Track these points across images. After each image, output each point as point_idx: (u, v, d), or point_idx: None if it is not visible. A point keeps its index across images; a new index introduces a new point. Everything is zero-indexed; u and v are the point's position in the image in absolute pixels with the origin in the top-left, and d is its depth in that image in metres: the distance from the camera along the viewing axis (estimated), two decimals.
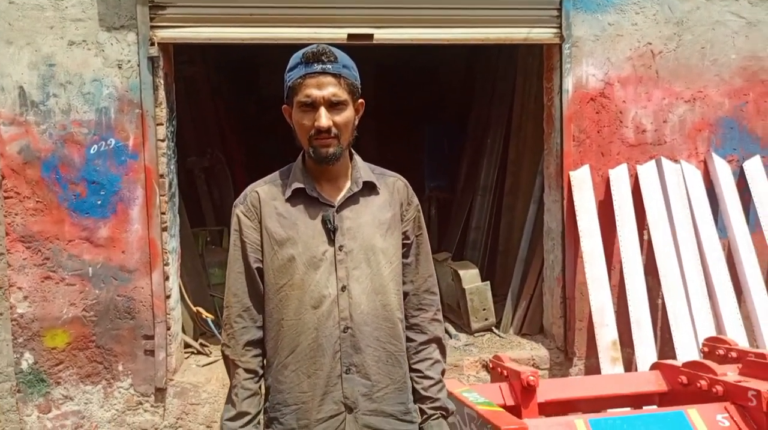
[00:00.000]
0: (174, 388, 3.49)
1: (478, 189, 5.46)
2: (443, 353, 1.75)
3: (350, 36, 3.44)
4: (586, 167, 3.73)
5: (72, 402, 3.42)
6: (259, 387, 1.63)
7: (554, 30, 3.67)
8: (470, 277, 4.25)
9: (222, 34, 3.41)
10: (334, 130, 1.55)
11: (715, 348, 2.56)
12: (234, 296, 1.63)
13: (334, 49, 1.58)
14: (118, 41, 3.31)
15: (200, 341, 4.00)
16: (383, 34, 3.49)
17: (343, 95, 1.55)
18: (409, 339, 1.70)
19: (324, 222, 1.59)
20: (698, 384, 2.14)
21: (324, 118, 1.53)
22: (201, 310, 3.97)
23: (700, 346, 2.78)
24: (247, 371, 1.60)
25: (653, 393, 2.36)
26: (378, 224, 1.64)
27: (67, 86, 3.30)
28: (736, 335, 3.30)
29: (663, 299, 3.61)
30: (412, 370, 1.68)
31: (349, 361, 1.57)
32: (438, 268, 4.51)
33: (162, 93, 3.40)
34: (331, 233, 1.59)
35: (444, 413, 1.67)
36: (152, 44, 3.32)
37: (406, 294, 1.71)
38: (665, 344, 3.76)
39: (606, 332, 3.45)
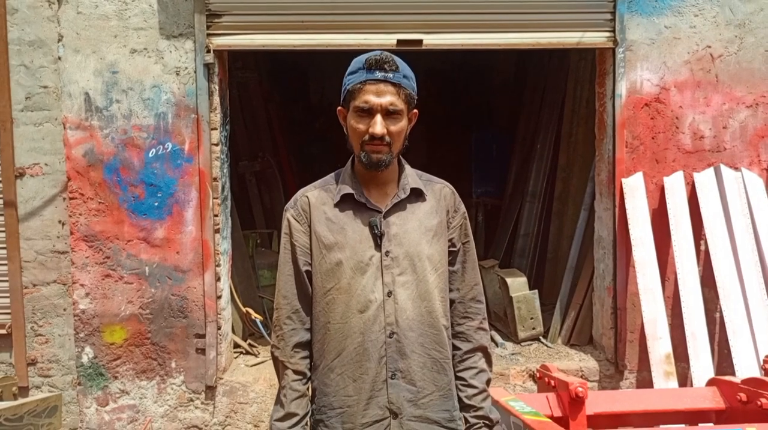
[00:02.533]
0: (223, 386, 3.58)
1: (527, 195, 5.39)
2: (489, 362, 1.73)
3: (400, 42, 3.46)
4: (640, 175, 3.62)
5: (128, 396, 3.56)
6: (307, 389, 1.65)
7: (607, 34, 3.59)
8: (518, 285, 4.19)
9: (275, 41, 3.49)
10: (387, 138, 1.57)
11: None
12: (284, 298, 1.66)
13: (396, 59, 1.59)
14: (176, 49, 3.44)
15: (249, 341, 4.09)
16: (433, 40, 3.50)
17: (400, 105, 1.57)
18: (454, 347, 1.70)
19: (371, 227, 1.61)
20: (758, 402, 2.05)
21: (379, 126, 1.55)
22: (250, 311, 4.07)
23: (761, 362, 2.65)
24: (295, 372, 1.63)
25: (710, 410, 2.26)
26: (424, 231, 1.64)
27: (128, 92, 3.45)
28: None
29: (721, 312, 3.47)
30: (456, 378, 1.68)
31: (394, 366, 1.58)
32: (485, 275, 4.48)
33: (216, 98, 3.51)
34: (377, 238, 1.60)
35: (488, 422, 1.65)
36: (208, 51, 3.43)
37: (452, 302, 1.71)
38: (723, 359, 3.61)
39: (659, 345, 3.34)
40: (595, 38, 3.60)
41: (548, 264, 5.09)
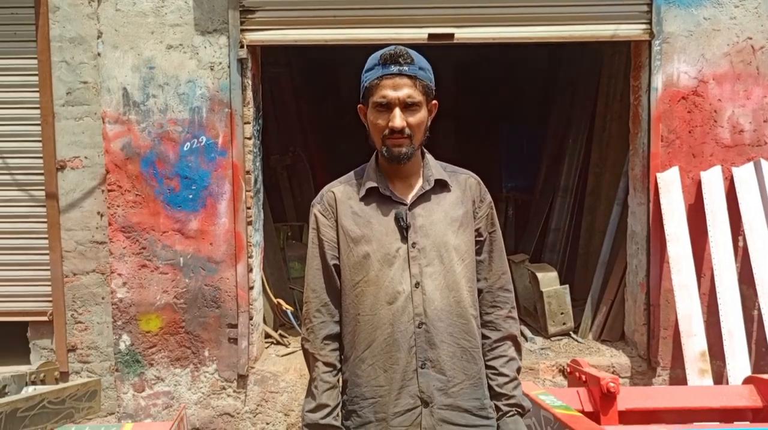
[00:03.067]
0: (255, 376, 3.65)
1: (558, 190, 5.33)
2: (518, 350, 1.73)
3: (431, 36, 3.46)
4: (675, 169, 3.55)
5: (163, 383, 3.65)
6: (338, 380, 1.68)
7: (644, 26, 3.52)
8: (548, 280, 4.16)
9: (307, 36, 3.53)
10: (407, 130, 1.58)
11: None
12: (313, 292, 1.69)
13: (411, 51, 1.61)
14: (210, 44, 3.50)
15: (280, 331, 4.16)
16: (464, 34, 3.48)
17: (418, 97, 1.58)
18: (483, 336, 1.70)
19: (397, 220, 1.62)
20: None
21: (398, 119, 1.57)
22: (281, 301, 4.13)
23: None
24: (326, 364, 1.65)
25: (746, 408, 2.22)
26: (450, 221, 1.65)
27: (164, 87, 3.53)
28: None
29: (759, 309, 3.38)
30: (487, 367, 1.68)
31: (424, 356, 1.60)
32: (515, 270, 4.46)
33: (249, 93, 3.57)
34: (404, 230, 1.62)
35: (520, 410, 1.65)
36: (241, 47, 3.48)
37: (480, 291, 1.71)
38: (761, 358, 3.52)
39: (694, 342, 3.28)
40: (631, 30, 3.53)
41: (579, 259, 5.03)
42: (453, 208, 1.67)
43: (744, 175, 3.53)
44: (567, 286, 4.21)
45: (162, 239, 3.59)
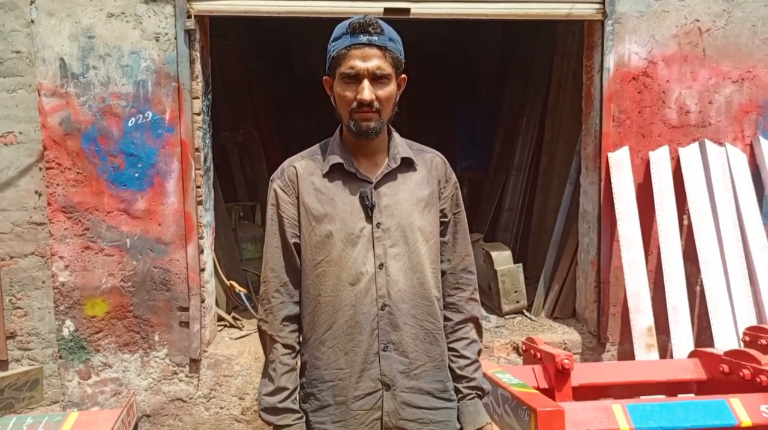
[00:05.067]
0: (208, 359, 3.56)
1: (512, 169, 5.38)
2: (480, 332, 1.73)
3: (386, 10, 3.38)
4: (626, 149, 3.63)
5: (111, 369, 3.51)
6: (296, 363, 1.63)
7: (597, 6, 3.55)
8: (502, 259, 4.21)
9: (257, 7, 3.38)
10: (376, 104, 1.52)
11: (756, 337, 2.49)
12: (271, 271, 1.62)
13: (381, 22, 1.54)
14: (155, 13, 3.32)
15: (233, 314, 4.06)
16: (421, 9, 3.42)
17: (388, 69, 1.52)
18: (446, 318, 1.69)
19: (362, 199, 1.57)
20: (741, 373, 2.09)
21: (367, 92, 1.50)
22: (234, 283, 4.03)
23: (741, 335, 2.71)
24: (284, 346, 1.60)
25: (691, 381, 2.31)
26: (416, 202, 1.61)
27: (106, 58, 3.33)
28: None
29: (701, 286, 3.52)
30: (448, 349, 1.67)
31: (386, 338, 1.57)
32: None
33: (198, 66, 3.41)
34: (368, 209, 1.57)
35: (480, 393, 1.65)
36: (189, 17, 3.31)
37: (443, 273, 1.69)
38: (702, 332, 3.68)
39: (641, 318, 3.38)
40: (585, 10, 3.56)
41: (532, 238, 5.11)
42: (419, 188, 1.63)
43: (689, 156, 3.64)
44: (520, 265, 4.27)
45: (107, 219, 3.42)
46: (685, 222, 3.68)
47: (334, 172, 1.61)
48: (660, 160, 3.62)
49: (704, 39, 3.65)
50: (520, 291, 4.20)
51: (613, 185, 3.58)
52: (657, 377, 2.31)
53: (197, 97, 3.42)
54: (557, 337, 3.77)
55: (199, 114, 3.44)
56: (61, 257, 3.42)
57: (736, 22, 3.65)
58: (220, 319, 3.95)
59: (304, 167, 1.63)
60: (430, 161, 1.68)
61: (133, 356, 3.52)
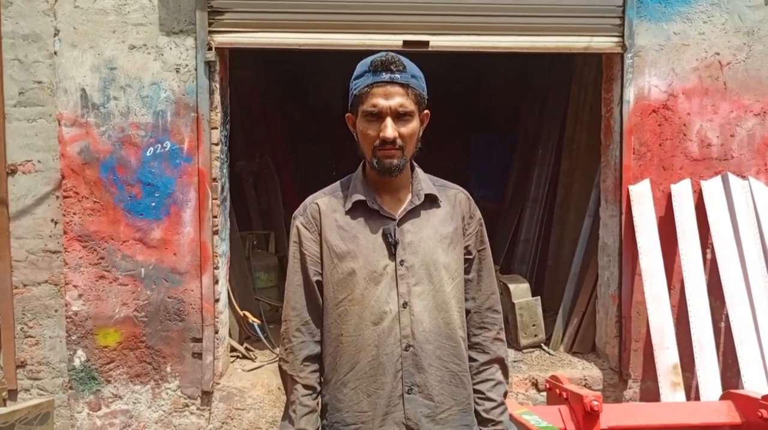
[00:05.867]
0: (220, 392, 3.49)
1: (528, 201, 5.33)
2: (506, 374, 1.68)
3: (406, 43, 3.39)
4: (647, 182, 3.58)
5: (121, 401, 3.45)
6: (317, 404, 1.58)
7: (616, 39, 3.54)
8: (520, 291, 4.14)
9: (278, 40, 3.41)
10: (399, 141, 1.50)
11: None
12: (293, 310, 1.59)
13: (403, 58, 1.53)
14: (176, 45, 3.35)
15: (246, 345, 4.00)
16: (439, 42, 3.43)
17: (410, 106, 1.51)
18: (470, 358, 1.63)
19: (385, 236, 1.54)
20: None
21: (390, 129, 1.49)
22: (248, 314, 3.98)
23: None
24: (305, 387, 1.55)
25: (725, 425, 2.21)
26: (440, 239, 1.58)
27: (126, 89, 3.36)
28: None
29: (727, 321, 3.42)
30: (473, 391, 1.62)
31: (411, 380, 1.51)
32: None
33: (217, 97, 3.43)
34: (392, 247, 1.54)
35: None
36: (209, 49, 3.34)
37: (467, 312, 1.65)
38: (727, 369, 3.56)
39: (666, 355, 3.29)
40: (604, 43, 3.55)
41: (548, 271, 5.03)
42: (443, 225, 1.59)
43: (712, 189, 3.58)
44: (539, 298, 4.19)
45: (122, 248, 3.40)
46: (708, 256, 3.60)
47: (356, 209, 1.58)
48: (682, 193, 3.56)
49: (725, 72, 3.62)
50: (539, 325, 4.11)
51: (634, 218, 3.52)
52: (689, 420, 2.21)
53: (215, 128, 3.43)
54: (577, 372, 3.67)
55: (217, 144, 3.45)
56: (75, 286, 3.40)
57: (756, 56, 3.62)
58: (233, 350, 3.89)
59: (327, 204, 1.61)
60: (454, 197, 1.66)
61: (144, 387, 3.46)
